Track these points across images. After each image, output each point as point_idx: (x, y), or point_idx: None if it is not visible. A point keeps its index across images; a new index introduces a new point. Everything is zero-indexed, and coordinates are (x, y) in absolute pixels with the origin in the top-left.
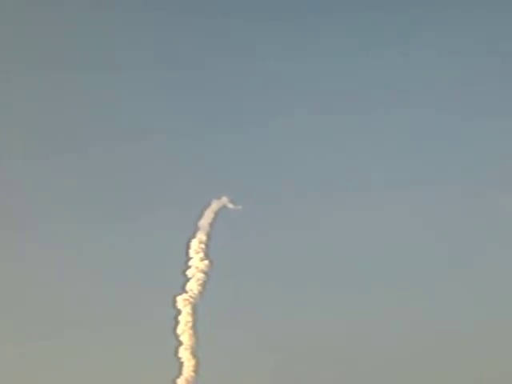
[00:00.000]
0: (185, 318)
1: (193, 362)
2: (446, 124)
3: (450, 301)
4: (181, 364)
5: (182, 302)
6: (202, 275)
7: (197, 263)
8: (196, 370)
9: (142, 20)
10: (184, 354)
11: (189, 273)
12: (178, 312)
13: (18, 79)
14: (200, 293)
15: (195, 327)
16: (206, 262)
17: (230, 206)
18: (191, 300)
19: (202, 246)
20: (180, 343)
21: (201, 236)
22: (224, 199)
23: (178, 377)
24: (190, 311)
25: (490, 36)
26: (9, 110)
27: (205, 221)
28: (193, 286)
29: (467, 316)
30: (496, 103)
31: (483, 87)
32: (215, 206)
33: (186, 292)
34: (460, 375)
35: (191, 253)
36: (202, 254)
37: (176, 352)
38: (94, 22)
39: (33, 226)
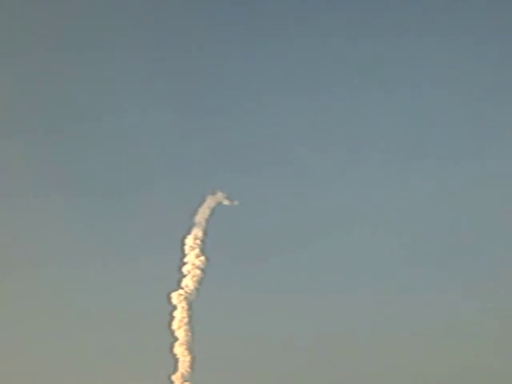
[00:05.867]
0: (180, 314)
1: (188, 357)
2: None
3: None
4: (176, 360)
5: (177, 297)
6: (197, 271)
7: (193, 259)
8: (192, 366)
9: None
10: (179, 349)
11: (185, 269)
12: (174, 308)
13: None
14: (196, 289)
15: (191, 323)
16: (202, 258)
17: (226, 202)
18: (187, 296)
19: (198, 242)
20: (175, 339)
21: (197, 232)
22: (220, 195)
23: (173, 373)
24: (185, 307)
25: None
26: None
27: (201, 217)
28: (189, 283)
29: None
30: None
31: None
32: (211, 201)
33: (182, 288)
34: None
35: (187, 249)
36: (197, 251)
37: (171, 348)
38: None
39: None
